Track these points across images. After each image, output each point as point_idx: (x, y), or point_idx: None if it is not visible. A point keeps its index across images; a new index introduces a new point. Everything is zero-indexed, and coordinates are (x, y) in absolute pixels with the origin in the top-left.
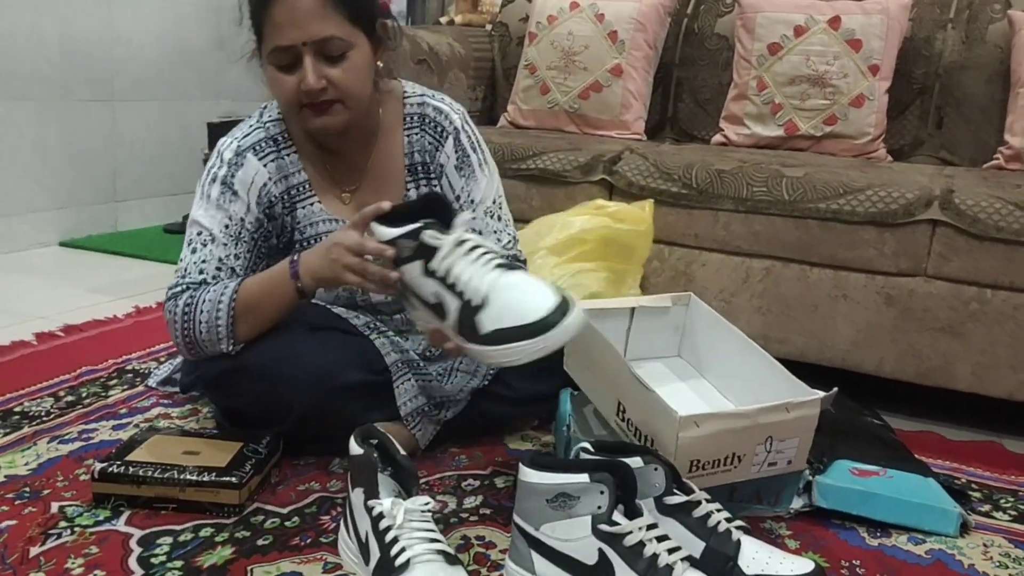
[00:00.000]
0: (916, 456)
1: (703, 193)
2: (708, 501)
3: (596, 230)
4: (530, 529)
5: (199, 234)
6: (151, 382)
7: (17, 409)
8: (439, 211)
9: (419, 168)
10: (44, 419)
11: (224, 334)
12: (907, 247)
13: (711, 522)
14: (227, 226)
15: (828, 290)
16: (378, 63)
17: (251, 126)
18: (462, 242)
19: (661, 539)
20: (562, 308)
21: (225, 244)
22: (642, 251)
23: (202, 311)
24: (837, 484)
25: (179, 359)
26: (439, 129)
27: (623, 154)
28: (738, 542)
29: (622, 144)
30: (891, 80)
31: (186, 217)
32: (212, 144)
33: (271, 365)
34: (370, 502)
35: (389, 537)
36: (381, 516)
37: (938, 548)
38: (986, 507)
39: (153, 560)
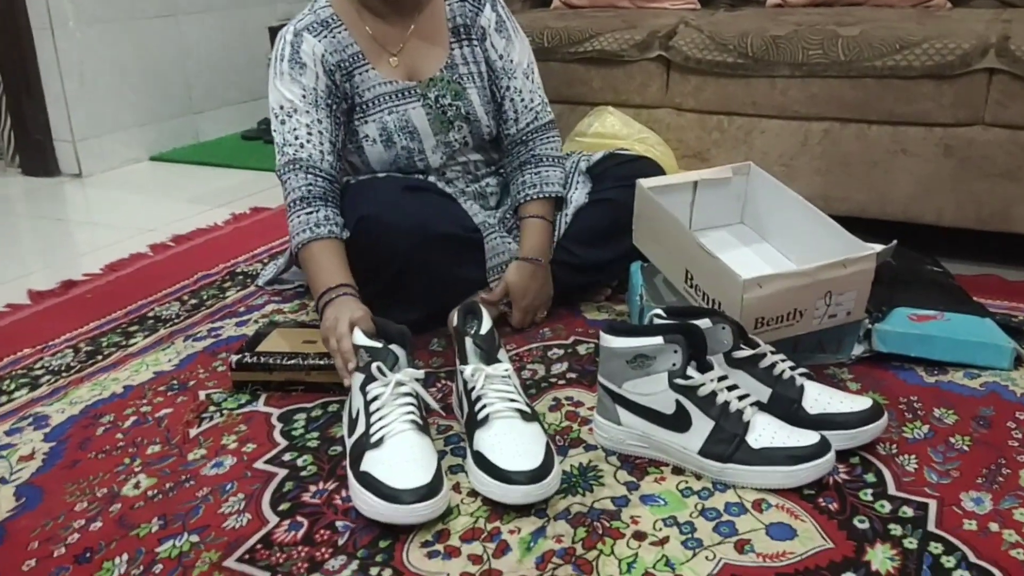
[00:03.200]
0: (974, 299)
1: (759, 61)
2: (773, 353)
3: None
4: (613, 387)
5: (282, 107)
6: (260, 282)
7: (150, 314)
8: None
9: (461, 31)
10: (175, 321)
11: (293, 248)
12: (965, 97)
13: (776, 371)
14: (304, 95)
15: (887, 145)
16: None
17: (304, 13)
18: (399, 384)
19: (731, 388)
20: (418, 492)
21: (307, 111)
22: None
23: (291, 223)
24: (895, 330)
25: (282, 259)
26: None
27: (678, 28)
28: (801, 387)
29: (676, 16)
30: None
31: (261, 122)
32: None
33: (377, 213)
34: (460, 366)
35: (473, 396)
36: (465, 380)
37: (992, 380)
38: None
39: (294, 433)
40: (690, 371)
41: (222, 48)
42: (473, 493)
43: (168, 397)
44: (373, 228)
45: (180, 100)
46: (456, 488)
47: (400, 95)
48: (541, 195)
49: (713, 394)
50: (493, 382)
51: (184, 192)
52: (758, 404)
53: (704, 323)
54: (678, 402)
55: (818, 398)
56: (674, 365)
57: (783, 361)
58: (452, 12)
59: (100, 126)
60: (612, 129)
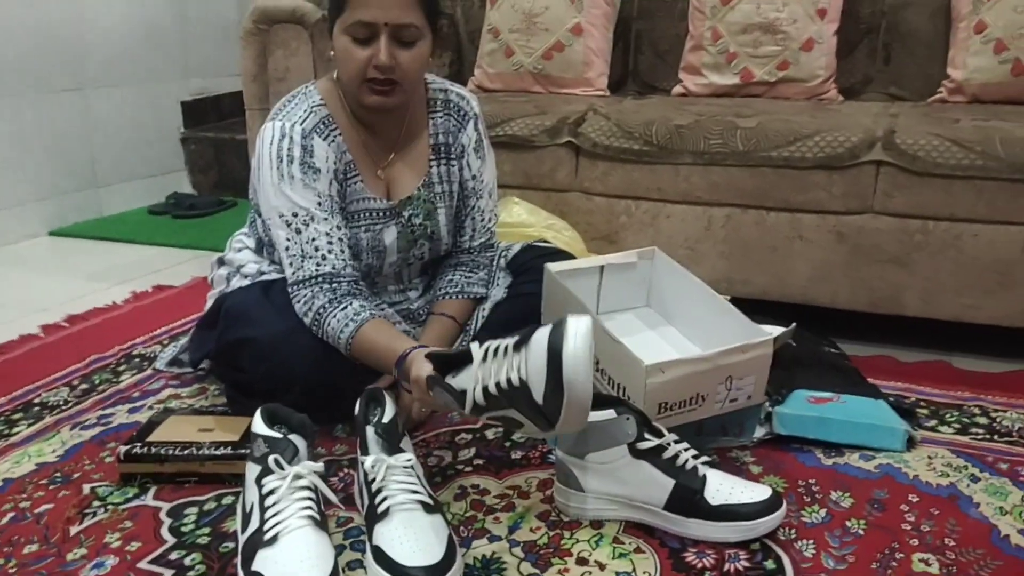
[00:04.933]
0: (869, 380)
1: (663, 149)
2: (676, 442)
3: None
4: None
5: (295, 215)
6: (158, 365)
7: (36, 400)
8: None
9: (442, 148)
10: (63, 408)
11: (343, 349)
12: (854, 187)
13: (679, 461)
14: (319, 203)
15: (785, 231)
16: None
17: (305, 110)
18: (297, 477)
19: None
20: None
21: (325, 219)
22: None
23: (329, 328)
24: (794, 412)
25: (182, 341)
26: (462, 113)
27: (587, 115)
28: (703, 476)
29: (586, 103)
30: (839, 22)
31: (169, 197)
32: (188, 122)
33: (274, 342)
34: (361, 458)
35: (374, 488)
36: (366, 471)
37: (887, 463)
38: (932, 422)
39: (183, 528)
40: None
41: (131, 122)
42: None
43: (50, 491)
44: (276, 355)
45: (84, 174)
46: None
47: (379, 214)
48: (462, 295)
49: (675, 455)
50: (395, 473)
51: (82, 269)
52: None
53: (608, 414)
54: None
55: (720, 487)
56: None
57: (686, 451)
58: (435, 128)
59: None
60: (519, 218)
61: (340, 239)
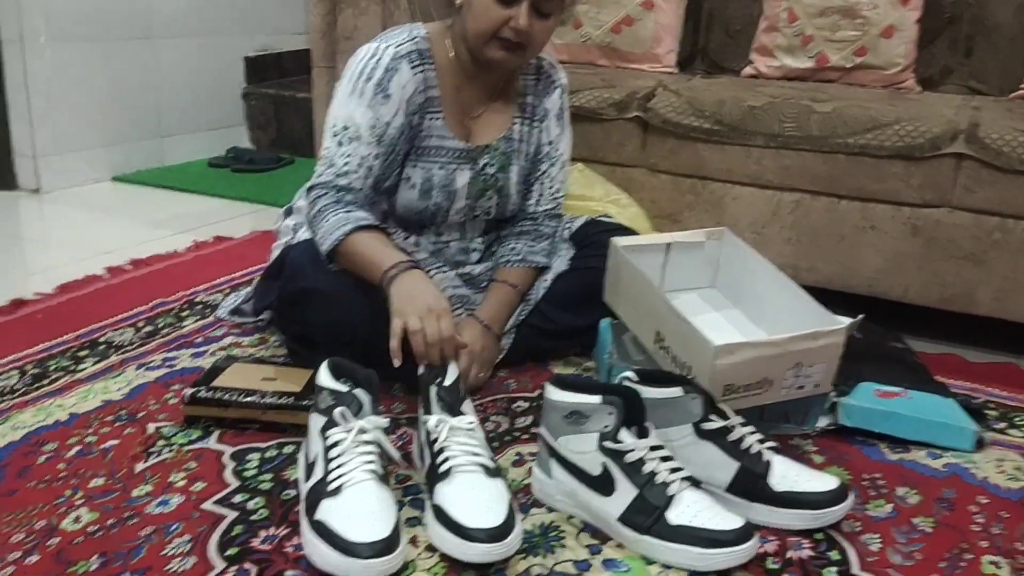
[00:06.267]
0: (936, 378)
1: (735, 129)
2: (742, 425)
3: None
4: (550, 440)
5: (346, 128)
6: (220, 313)
7: (102, 339)
8: None
9: (527, 108)
10: (128, 348)
11: (325, 249)
12: (933, 179)
13: (744, 444)
14: (374, 127)
15: (856, 221)
16: None
17: (405, 37)
18: (361, 432)
19: (665, 459)
20: (375, 547)
21: (369, 143)
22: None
23: (322, 226)
24: (861, 404)
25: (244, 291)
26: (551, 80)
27: (656, 91)
28: (768, 462)
29: (654, 79)
30: (921, 10)
31: (229, 151)
32: (250, 78)
33: (336, 293)
34: (424, 417)
35: (436, 448)
36: (428, 431)
37: (955, 462)
38: (1001, 425)
39: (246, 473)
40: (623, 435)
41: (196, 74)
42: (431, 548)
43: (115, 428)
44: (339, 306)
45: (148, 123)
46: (413, 542)
47: (456, 155)
48: (523, 264)
49: (640, 462)
50: (457, 434)
51: (145, 215)
52: (690, 480)
53: (675, 391)
54: (605, 465)
55: (785, 474)
56: (606, 427)
57: (751, 434)
58: (525, 87)
59: (64, 143)
60: (582, 189)
61: (370, 167)
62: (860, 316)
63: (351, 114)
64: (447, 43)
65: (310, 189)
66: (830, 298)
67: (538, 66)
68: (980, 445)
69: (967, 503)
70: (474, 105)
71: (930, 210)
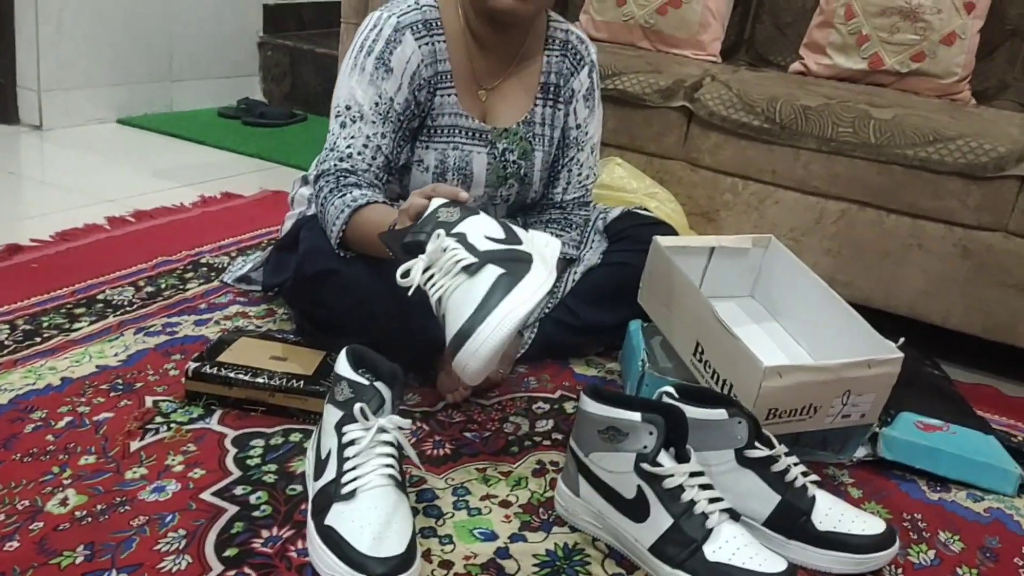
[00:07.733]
0: (976, 411)
1: (786, 129)
2: (787, 455)
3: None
4: (581, 455)
5: (348, 108)
6: (226, 278)
7: (100, 297)
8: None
9: (551, 89)
10: (127, 309)
11: (334, 240)
12: (992, 201)
13: (788, 477)
14: (377, 103)
15: (904, 238)
16: None
17: (409, 5)
18: (381, 431)
19: (704, 487)
20: (389, 564)
21: (373, 122)
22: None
23: (325, 219)
24: (903, 437)
25: (252, 256)
26: (579, 57)
27: (704, 81)
28: (813, 498)
29: (700, 68)
30: (985, 19)
31: (241, 101)
32: (267, 28)
33: (359, 277)
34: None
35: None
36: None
37: (997, 507)
38: None
39: (249, 462)
40: (663, 457)
41: (212, 18)
42: (445, 564)
43: (110, 398)
44: (361, 291)
45: (159, 65)
46: (427, 557)
47: (471, 135)
48: None
49: (680, 488)
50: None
51: (151, 163)
52: (730, 512)
53: (719, 413)
54: (640, 488)
55: (829, 513)
56: (645, 447)
57: (795, 466)
58: (549, 66)
59: (69, 79)
60: (620, 182)
61: (378, 147)
62: (901, 340)
63: (352, 92)
64: (459, 11)
65: (316, 179)
66: (864, 315)
67: (565, 41)
68: (1022, 489)
69: (1012, 555)
70: (488, 78)
71: (985, 233)
